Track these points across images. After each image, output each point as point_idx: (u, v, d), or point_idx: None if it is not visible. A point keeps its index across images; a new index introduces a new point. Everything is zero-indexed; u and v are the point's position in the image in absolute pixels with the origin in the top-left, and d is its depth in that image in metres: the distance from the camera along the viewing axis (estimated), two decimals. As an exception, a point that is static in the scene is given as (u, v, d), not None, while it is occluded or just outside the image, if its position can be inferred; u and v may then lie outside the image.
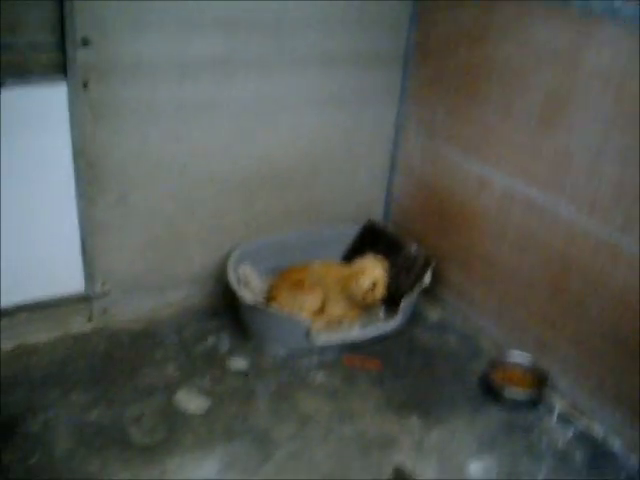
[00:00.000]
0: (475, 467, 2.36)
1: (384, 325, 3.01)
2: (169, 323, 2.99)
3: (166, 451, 2.31)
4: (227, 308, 3.07)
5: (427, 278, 3.08)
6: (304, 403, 2.60)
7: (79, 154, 2.60)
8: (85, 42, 2.45)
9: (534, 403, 2.67)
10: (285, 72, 2.94)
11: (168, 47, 2.63)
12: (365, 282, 2.91)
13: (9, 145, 2.46)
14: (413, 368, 2.86)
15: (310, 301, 2.97)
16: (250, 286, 3.06)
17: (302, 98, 3.04)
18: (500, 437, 2.51)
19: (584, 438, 2.53)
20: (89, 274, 2.83)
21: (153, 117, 2.71)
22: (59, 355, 2.73)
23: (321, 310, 3.00)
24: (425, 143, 3.23)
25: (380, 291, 2.94)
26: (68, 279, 2.80)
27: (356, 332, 2.97)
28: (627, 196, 2.34)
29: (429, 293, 3.23)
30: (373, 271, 2.94)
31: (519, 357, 2.82)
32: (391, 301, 3.05)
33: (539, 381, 2.71)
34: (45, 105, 2.48)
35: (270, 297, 3.02)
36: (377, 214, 3.54)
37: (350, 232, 3.45)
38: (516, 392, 2.66)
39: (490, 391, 2.71)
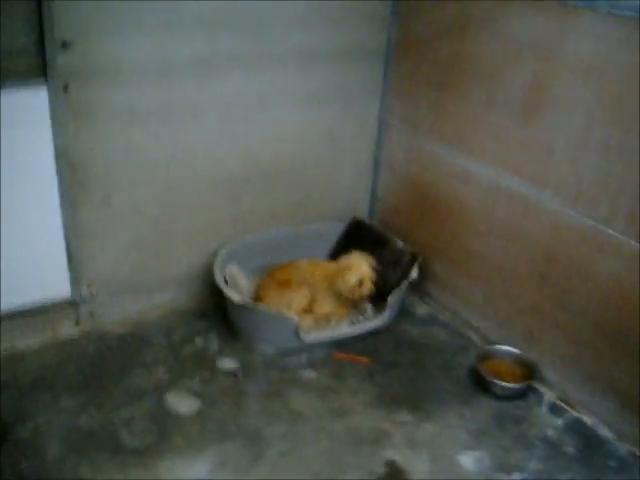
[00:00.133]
0: (467, 459, 2.37)
1: (372, 322, 3.01)
2: (157, 325, 2.98)
3: (157, 453, 2.30)
4: (215, 308, 3.06)
5: (414, 273, 3.09)
6: (294, 401, 2.60)
7: (62, 157, 2.59)
8: (65, 45, 2.44)
9: (524, 395, 2.69)
10: (267, 70, 2.94)
11: (149, 48, 2.63)
12: (352, 279, 2.92)
13: (-9, 150, 2.44)
14: (402, 363, 2.86)
15: (297, 299, 2.97)
16: (237, 286, 3.05)
17: (285, 96, 3.04)
18: (491, 429, 2.52)
19: (574, 428, 2.55)
20: (75, 278, 2.81)
21: (136, 118, 2.70)
22: (48, 360, 2.72)
23: (309, 308, 3.00)
24: (409, 138, 3.24)
25: (367, 287, 2.94)
26: (54, 283, 2.79)
27: (344, 329, 2.97)
28: (611, 186, 2.36)
29: (417, 288, 3.24)
30: (359, 268, 2.95)
31: (507, 349, 2.83)
32: (379, 297, 3.05)
33: (528, 373, 2.73)
34: (26, 109, 2.47)
35: (257, 296, 3.02)
36: (362, 211, 3.54)
37: (336, 229, 3.45)
38: (505, 384, 2.66)
39: (479, 384, 2.72)
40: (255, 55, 2.88)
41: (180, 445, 2.35)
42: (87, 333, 2.89)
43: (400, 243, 3.21)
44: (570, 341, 2.62)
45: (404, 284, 3.06)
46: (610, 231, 2.38)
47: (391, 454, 2.37)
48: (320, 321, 2.99)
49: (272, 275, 3.07)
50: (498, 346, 2.85)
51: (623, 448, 2.45)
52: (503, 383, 2.66)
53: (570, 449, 2.44)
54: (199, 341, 2.89)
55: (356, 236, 3.38)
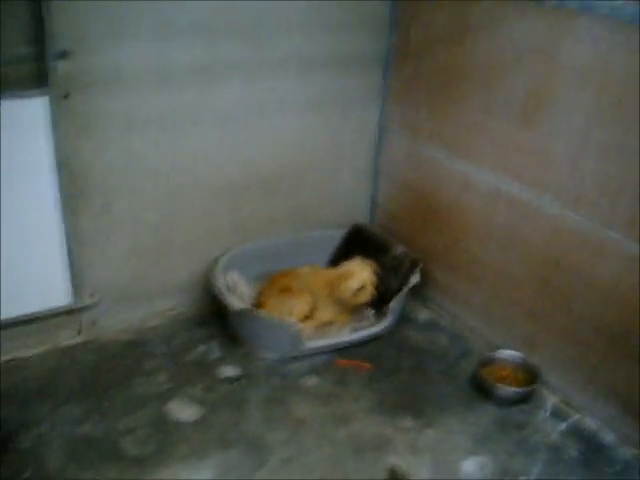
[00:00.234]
0: (470, 464, 2.37)
1: (374, 328, 3.01)
2: (158, 333, 2.98)
3: (160, 461, 2.30)
4: (216, 316, 3.06)
5: (415, 278, 3.09)
6: (297, 408, 2.59)
7: (62, 165, 2.58)
8: (65, 54, 2.44)
9: (526, 399, 2.68)
10: (267, 77, 2.94)
11: (149, 56, 2.63)
12: (353, 285, 2.91)
13: (-9, 159, 2.45)
14: (404, 369, 2.86)
15: (299, 306, 2.96)
16: (238, 293, 3.05)
17: (285, 103, 3.04)
18: (493, 434, 2.51)
19: (577, 432, 2.54)
20: (76, 286, 2.81)
21: (136, 126, 2.70)
22: (49, 369, 2.71)
23: (310, 315, 3.00)
24: (408, 143, 3.24)
25: (368, 293, 2.94)
26: (55, 292, 2.78)
27: (346, 336, 2.97)
28: (611, 190, 2.36)
29: (418, 294, 3.24)
30: (361, 274, 2.95)
31: (509, 354, 2.83)
32: (380, 303, 3.05)
33: (530, 377, 2.72)
34: (26, 117, 2.46)
35: (258, 303, 3.02)
36: (363, 216, 3.54)
37: (337, 236, 3.45)
38: (507, 389, 2.66)
39: (481, 389, 2.71)
40: (255, 62, 2.88)
41: (182, 453, 2.34)
42: (89, 341, 2.89)
43: (401, 249, 3.20)
44: (572, 345, 2.61)
45: (405, 290, 3.06)
46: (611, 234, 2.39)
47: (394, 460, 2.36)
48: (321, 327, 2.98)
49: (273, 282, 3.07)
50: (500, 351, 2.85)
51: (626, 452, 2.44)
52: (506, 387, 2.66)
53: (573, 453, 2.44)
54: (200, 348, 2.89)
55: (357, 242, 3.38)
